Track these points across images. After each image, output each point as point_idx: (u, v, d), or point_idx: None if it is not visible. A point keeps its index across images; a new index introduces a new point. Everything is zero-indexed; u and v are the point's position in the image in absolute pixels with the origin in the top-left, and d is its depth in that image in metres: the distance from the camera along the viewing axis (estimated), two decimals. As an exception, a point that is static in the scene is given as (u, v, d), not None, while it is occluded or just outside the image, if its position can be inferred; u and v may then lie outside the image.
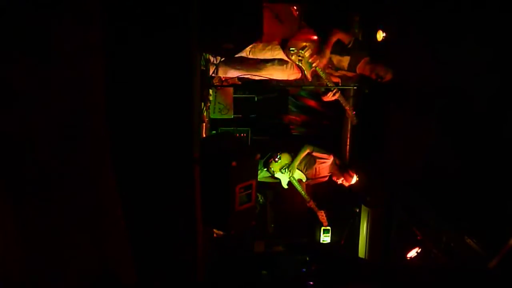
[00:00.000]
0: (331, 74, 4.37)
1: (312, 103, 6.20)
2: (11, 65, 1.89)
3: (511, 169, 3.68)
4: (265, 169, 5.01)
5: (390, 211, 5.45)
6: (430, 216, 4.68)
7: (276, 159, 4.95)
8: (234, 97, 5.31)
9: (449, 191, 4.34)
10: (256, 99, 5.74)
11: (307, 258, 4.88)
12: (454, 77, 4.24)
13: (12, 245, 1.71)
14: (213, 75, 4.20)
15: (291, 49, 4.22)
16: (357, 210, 5.69)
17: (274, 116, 6.13)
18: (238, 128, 5.53)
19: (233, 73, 4.42)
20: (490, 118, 3.97)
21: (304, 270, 5.00)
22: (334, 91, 4.24)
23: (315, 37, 4.25)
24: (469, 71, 4.01)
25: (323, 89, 4.42)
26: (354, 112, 4.52)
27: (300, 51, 4.18)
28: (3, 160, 1.78)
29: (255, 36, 3.43)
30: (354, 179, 4.91)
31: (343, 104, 4.41)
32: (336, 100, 4.35)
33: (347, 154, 6.17)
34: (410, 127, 4.93)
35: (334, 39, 4.18)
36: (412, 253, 4.85)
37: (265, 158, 5.00)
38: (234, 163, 3.13)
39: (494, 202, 3.83)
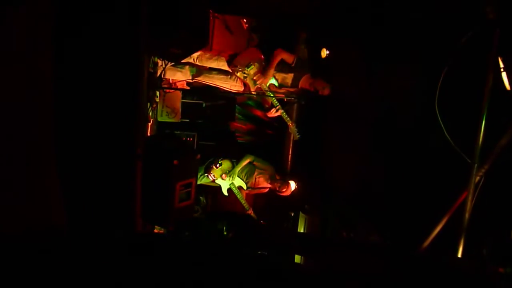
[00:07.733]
0: (275, 92, 4.66)
1: (258, 113, 6.41)
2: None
3: (428, 184, 4.09)
4: (206, 174, 5.14)
5: (325, 219, 5.75)
6: (361, 223, 5.01)
7: (217, 165, 5.09)
8: (182, 102, 5.45)
9: (378, 201, 4.69)
10: (204, 105, 5.90)
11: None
12: (386, 95, 4.62)
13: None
14: (162, 77, 4.35)
15: (237, 66, 4.49)
16: (292, 214, 5.95)
17: (221, 123, 6.29)
18: (185, 132, 5.65)
19: (180, 76, 4.61)
20: (414, 138, 4.36)
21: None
22: (278, 107, 4.54)
23: (261, 56, 4.55)
24: (400, 92, 4.40)
25: (267, 105, 4.72)
26: (296, 128, 4.84)
27: (246, 68, 4.47)
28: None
29: (202, 44, 3.63)
30: (293, 186, 5.17)
31: (286, 120, 4.71)
32: (279, 116, 4.66)
33: (289, 164, 6.44)
34: (345, 140, 5.26)
35: (277, 59, 4.50)
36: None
37: (206, 164, 5.13)
38: (176, 162, 3.28)
39: (415, 210, 4.20)
